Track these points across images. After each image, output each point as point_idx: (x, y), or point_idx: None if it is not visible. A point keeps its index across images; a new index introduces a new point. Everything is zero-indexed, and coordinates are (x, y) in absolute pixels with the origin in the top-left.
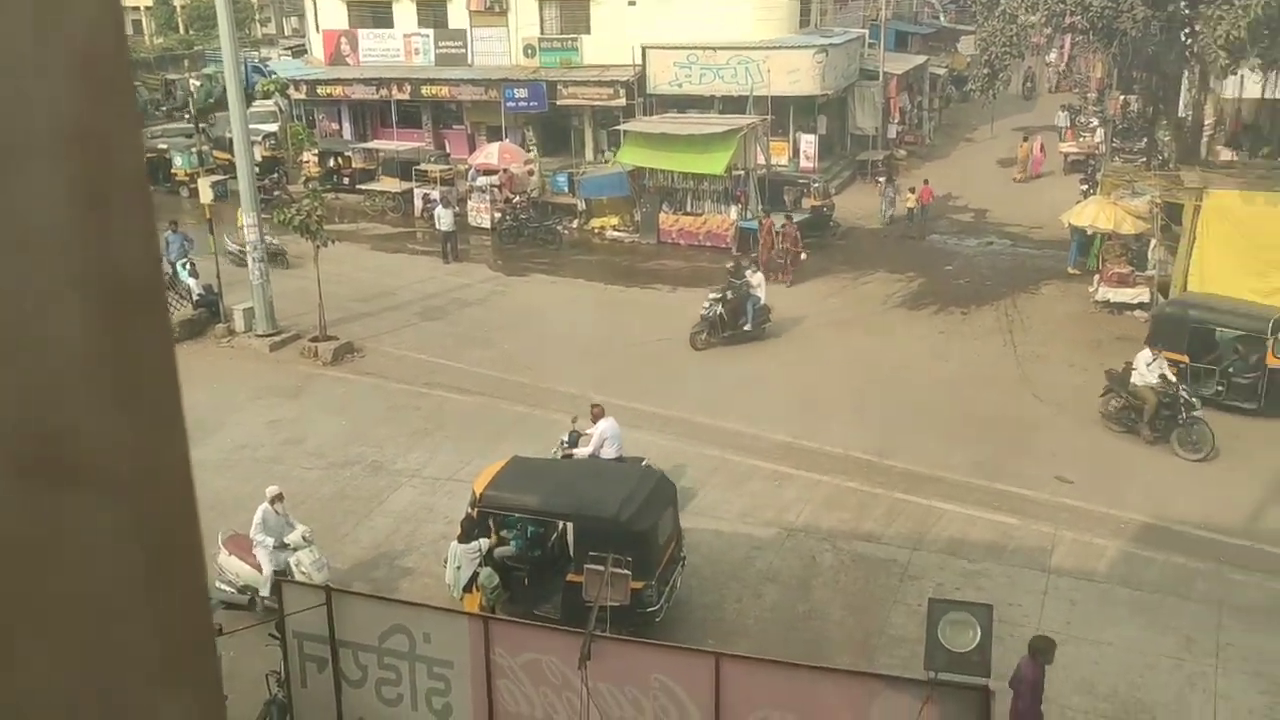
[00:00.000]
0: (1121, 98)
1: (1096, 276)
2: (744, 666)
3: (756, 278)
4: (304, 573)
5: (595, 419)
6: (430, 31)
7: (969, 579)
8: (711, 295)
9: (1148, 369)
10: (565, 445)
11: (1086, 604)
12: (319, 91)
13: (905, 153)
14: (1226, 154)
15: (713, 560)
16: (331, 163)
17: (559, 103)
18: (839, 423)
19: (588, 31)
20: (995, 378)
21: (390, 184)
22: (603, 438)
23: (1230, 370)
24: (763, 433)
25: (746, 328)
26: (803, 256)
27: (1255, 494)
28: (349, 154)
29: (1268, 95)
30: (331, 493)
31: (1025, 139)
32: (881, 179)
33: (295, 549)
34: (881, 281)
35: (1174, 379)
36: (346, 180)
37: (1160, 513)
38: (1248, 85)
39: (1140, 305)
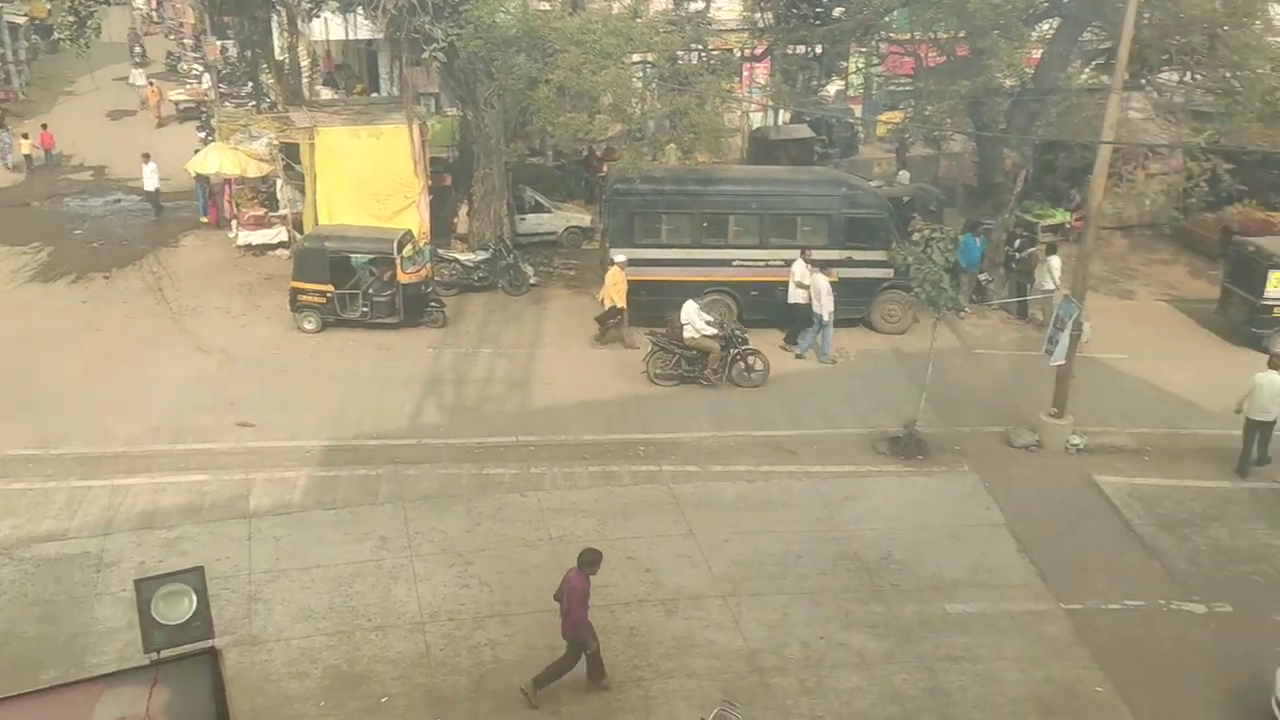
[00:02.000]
0: (219, 43)
1: (234, 221)
2: None
3: None
4: None
5: None
6: None
7: (171, 547)
8: None
9: (699, 318)
10: None
11: (291, 536)
12: None
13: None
14: (327, 93)
15: None
16: None
17: None
18: None
19: None
20: (155, 338)
21: None
22: None
23: (370, 291)
24: None
25: None
26: None
27: (414, 396)
28: None
29: (351, 36)
30: None
31: (150, 84)
32: None
33: None
34: (3, 257)
35: (723, 321)
36: None
37: (337, 432)
38: (333, 27)
39: (281, 244)
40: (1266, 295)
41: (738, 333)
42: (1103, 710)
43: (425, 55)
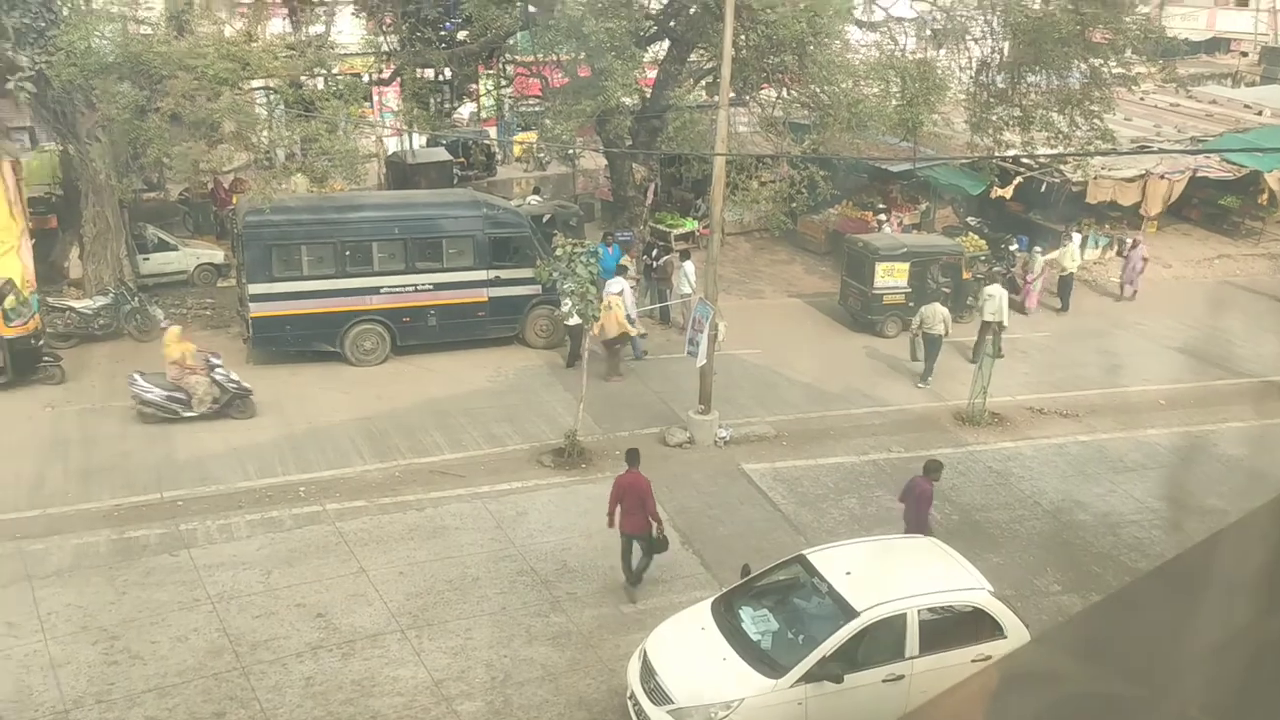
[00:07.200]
0: None
1: None
2: None
3: None
4: None
5: None
6: None
7: None
8: None
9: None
10: None
11: None
12: None
13: None
14: None
15: None
16: None
17: None
18: None
19: None
20: None
21: None
22: None
23: None
24: None
25: None
26: None
27: (32, 462)
28: None
29: None
30: None
31: None
32: None
33: None
34: None
35: None
36: None
37: None
38: None
39: None
40: (876, 285)
41: None
42: None
43: (11, 86)
